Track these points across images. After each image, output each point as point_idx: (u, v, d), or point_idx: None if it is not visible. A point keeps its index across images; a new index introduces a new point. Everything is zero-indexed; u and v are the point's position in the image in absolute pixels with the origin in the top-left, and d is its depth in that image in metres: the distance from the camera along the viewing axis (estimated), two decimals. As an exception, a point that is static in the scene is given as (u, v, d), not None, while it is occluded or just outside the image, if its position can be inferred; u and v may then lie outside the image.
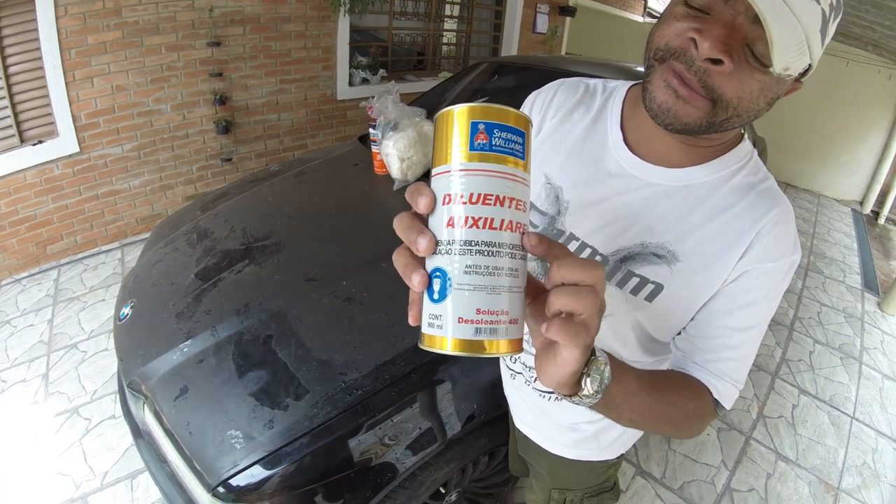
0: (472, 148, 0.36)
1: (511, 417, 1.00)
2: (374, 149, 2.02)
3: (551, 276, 0.37)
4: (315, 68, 3.69)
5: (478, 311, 0.35)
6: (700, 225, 0.61)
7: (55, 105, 2.68)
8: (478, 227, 0.35)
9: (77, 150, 2.81)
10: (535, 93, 0.78)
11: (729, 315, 0.61)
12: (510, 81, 2.50)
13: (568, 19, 5.68)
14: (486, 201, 0.35)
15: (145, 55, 2.88)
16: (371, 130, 2.02)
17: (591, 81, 0.76)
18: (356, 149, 2.24)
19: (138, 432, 1.27)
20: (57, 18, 2.53)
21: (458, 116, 0.37)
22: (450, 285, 0.36)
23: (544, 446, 0.89)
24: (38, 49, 2.56)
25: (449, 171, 0.37)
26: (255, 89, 3.43)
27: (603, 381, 0.42)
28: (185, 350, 1.18)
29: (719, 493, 1.88)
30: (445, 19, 4.80)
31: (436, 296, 0.36)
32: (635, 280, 0.63)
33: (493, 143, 0.36)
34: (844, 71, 5.45)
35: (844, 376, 2.60)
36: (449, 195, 0.36)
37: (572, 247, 0.68)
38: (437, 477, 1.12)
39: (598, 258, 0.65)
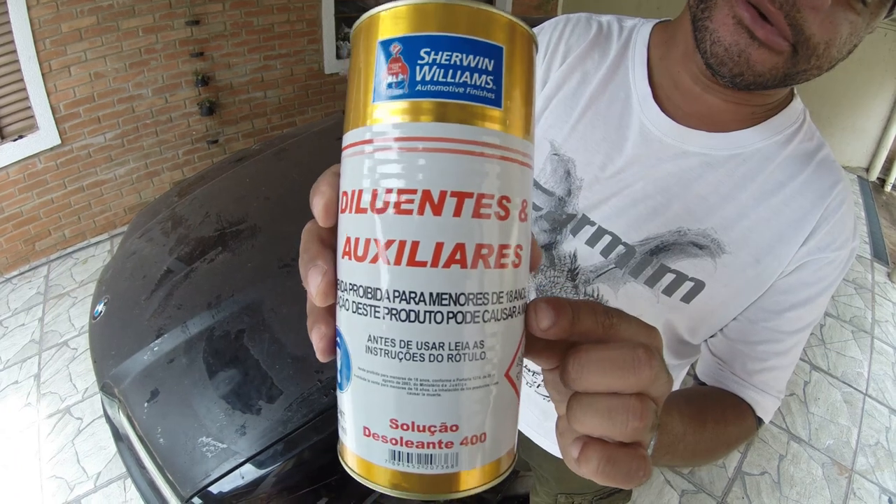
0: (376, 95, 0.20)
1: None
2: None
3: (567, 378, 0.23)
4: (300, 42, 3.54)
5: (392, 422, 0.20)
6: (751, 205, 0.49)
7: (33, 98, 2.59)
8: (387, 262, 0.19)
9: (59, 142, 2.73)
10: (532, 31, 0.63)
11: (779, 316, 0.51)
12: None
13: (564, -17, 5.46)
14: (403, 206, 0.19)
15: (122, 39, 2.77)
16: (351, 101, 1.91)
17: (604, 18, 0.60)
18: (339, 122, 2.12)
19: (119, 436, 1.22)
20: (28, 8, 2.43)
21: (366, 33, 0.20)
22: (350, 367, 0.21)
23: (549, 450, 0.80)
24: (12, 42, 2.46)
25: (349, 145, 0.21)
26: (239, 67, 3.31)
27: (650, 445, 0.33)
28: (156, 349, 1.11)
29: (731, 476, 1.82)
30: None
31: (339, 378, 0.22)
32: (670, 277, 0.51)
33: (420, 76, 0.19)
34: (852, 33, 5.26)
35: (856, 351, 2.52)
36: (346, 193, 0.21)
37: (586, 233, 0.54)
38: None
39: (620, 248, 0.53)
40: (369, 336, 0.20)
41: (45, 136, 2.67)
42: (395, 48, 0.19)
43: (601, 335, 0.23)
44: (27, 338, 2.31)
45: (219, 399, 0.98)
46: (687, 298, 0.52)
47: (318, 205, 0.23)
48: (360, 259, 0.20)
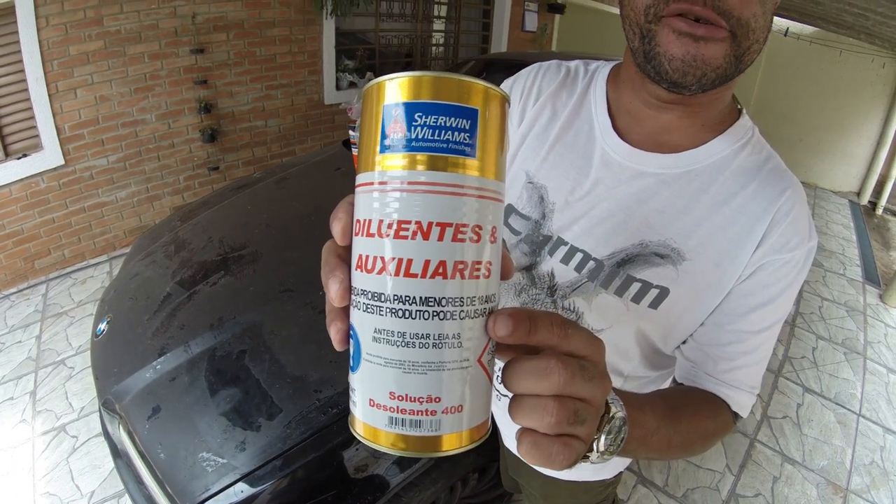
0: (382, 147, 0.25)
1: (500, 436, 0.94)
2: (355, 151, 1.94)
3: (504, 383, 0.29)
4: (301, 73, 3.64)
5: (391, 394, 0.25)
6: (706, 215, 0.54)
7: (39, 117, 2.64)
8: (389, 274, 0.25)
9: (62, 162, 2.77)
10: (510, 79, 0.71)
11: (743, 318, 0.55)
12: (499, 80, 2.46)
13: (557, 17, 5.63)
14: (401, 233, 0.25)
15: (128, 64, 2.84)
16: (350, 132, 1.96)
17: (572, 64, 0.68)
18: (339, 153, 2.20)
19: (117, 452, 1.23)
20: (38, 30, 2.50)
21: (374, 96, 0.26)
22: (360, 353, 0.27)
23: (536, 468, 0.84)
24: (21, 62, 2.52)
25: (362, 184, 0.27)
26: (241, 96, 3.39)
27: (618, 438, 0.35)
28: (158, 367, 1.13)
29: (724, 499, 1.82)
30: (433, 20, 4.76)
31: (352, 362, 0.28)
32: (636, 286, 0.56)
33: (414, 135, 0.25)
34: (838, 60, 5.41)
35: (849, 372, 2.55)
36: (359, 221, 0.27)
37: (560, 252, 0.61)
38: (422, 497, 1.07)
39: (591, 263, 0.59)
40: (375, 329, 0.26)
41: (49, 156, 2.71)
42: (396, 111, 0.25)
43: (556, 344, 0.28)
44: (24, 355, 2.30)
45: (219, 416, 1.00)
46: (654, 305, 0.56)
47: (336, 228, 0.28)
48: (370, 271, 0.26)
